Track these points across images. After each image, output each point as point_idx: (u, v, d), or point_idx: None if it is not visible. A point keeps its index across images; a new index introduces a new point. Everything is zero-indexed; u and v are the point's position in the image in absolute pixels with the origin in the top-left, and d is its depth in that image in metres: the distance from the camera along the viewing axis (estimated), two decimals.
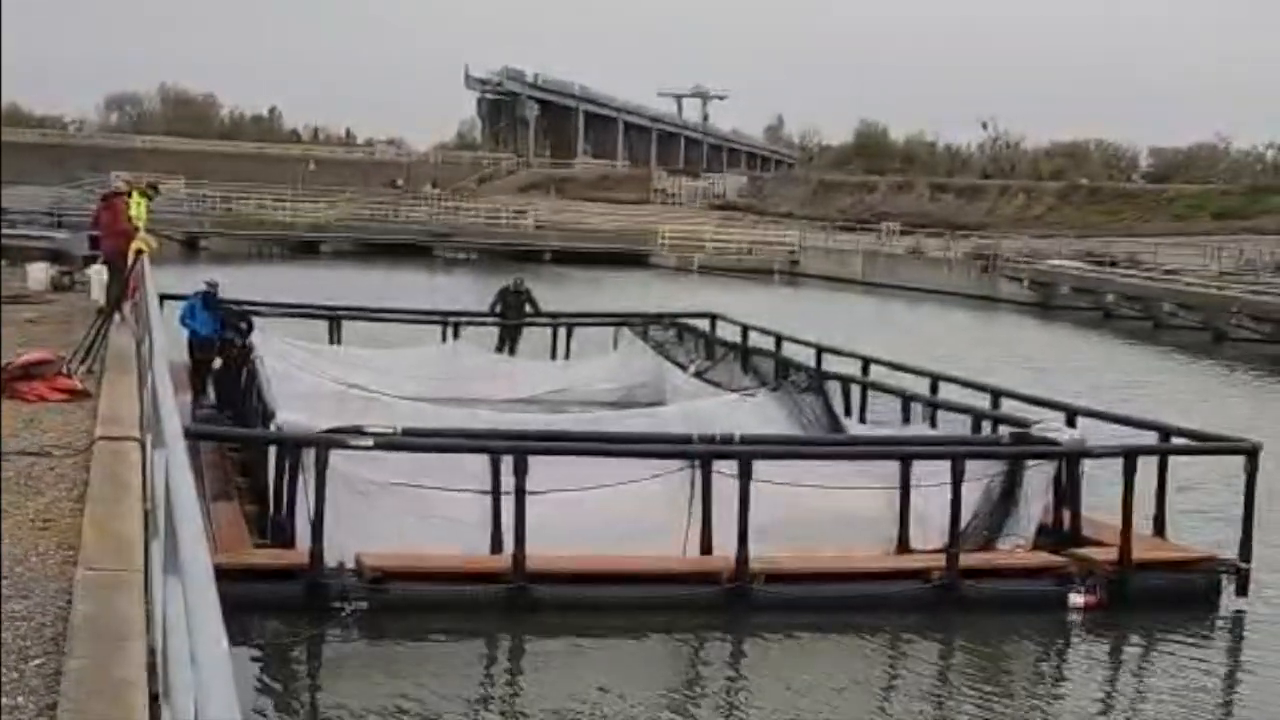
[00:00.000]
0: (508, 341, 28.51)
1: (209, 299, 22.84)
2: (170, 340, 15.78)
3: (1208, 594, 15.12)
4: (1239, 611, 15.03)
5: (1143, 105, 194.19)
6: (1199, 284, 55.73)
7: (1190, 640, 14.30)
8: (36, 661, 5.94)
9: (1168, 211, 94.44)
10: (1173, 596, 15.00)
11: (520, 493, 13.52)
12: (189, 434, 7.95)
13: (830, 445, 17.37)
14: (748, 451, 14.71)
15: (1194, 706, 12.44)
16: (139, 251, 17.13)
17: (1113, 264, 65.44)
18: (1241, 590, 15.13)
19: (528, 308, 29.19)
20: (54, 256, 28.27)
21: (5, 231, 34.82)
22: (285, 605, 12.84)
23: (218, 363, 22.30)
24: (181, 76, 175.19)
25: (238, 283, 24.47)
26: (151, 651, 6.05)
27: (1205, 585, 15.17)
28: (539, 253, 76.97)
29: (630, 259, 78.47)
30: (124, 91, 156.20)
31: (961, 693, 12.68)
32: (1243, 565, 15.14)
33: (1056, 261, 65.98)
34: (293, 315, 26.85)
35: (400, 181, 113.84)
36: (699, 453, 14.70)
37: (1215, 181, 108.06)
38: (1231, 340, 46.69)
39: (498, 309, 29.10)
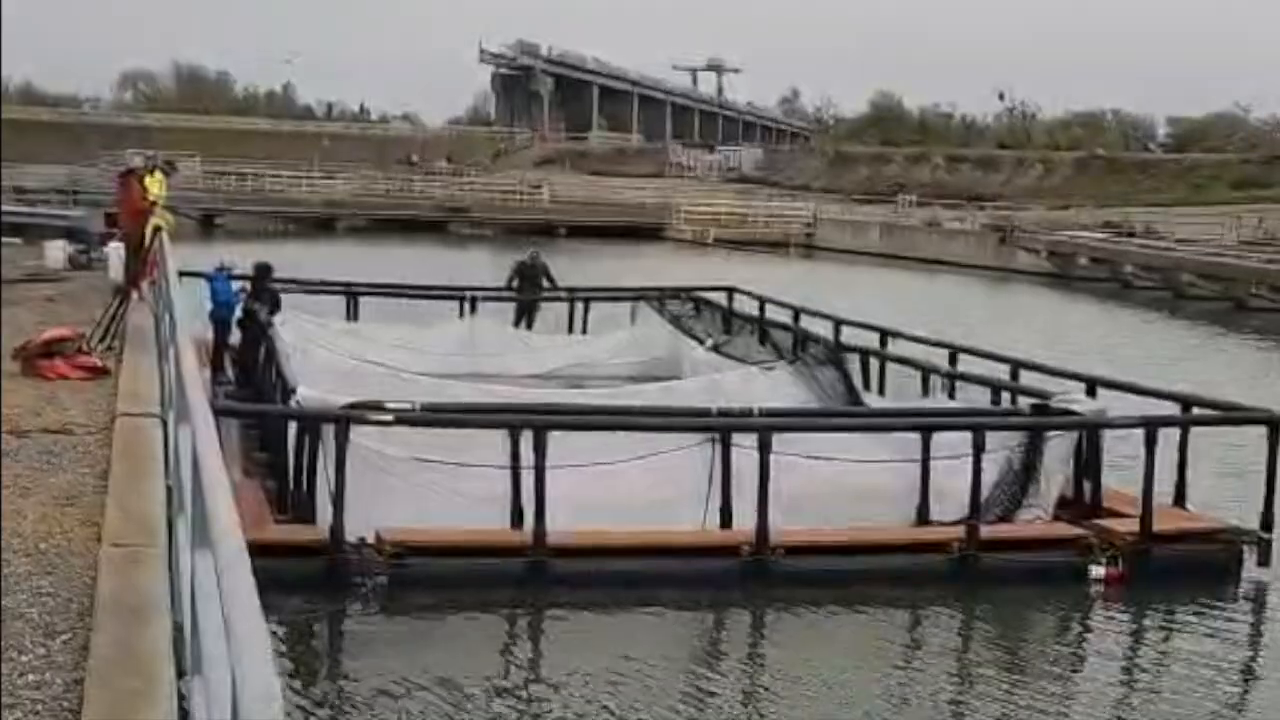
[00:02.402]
0: (525, 316, 28.49)
1: (227, 276, 22.95)
2: (192, 316, 15.81)
3: (1229, 565, 15.06)
4: (1261, 582, 14.98)
5: (1159, 74, 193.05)
6: (1218, 254, 55.50)
7: (1212, 612, 14.25)
8: (64, 637, 5.96)
9: (1186, 181, 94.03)
10: (1194, 568, 14.93)
11: (540, 467, 13.52)
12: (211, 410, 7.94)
13: (850, 418, 17.35)
14: (767, 424, 14.70)
15: (1215, 678, 12.41)
16: (157, 229, 17.15)
17: (1130, 234, 65.17)
18: (1263, 561, 15.08)
19: (544, 282, 29.16)
20: (70, 234, 28.30)
21: (21, 209, 34.88)
22: (306, 581, 12.85)
23: (236, 337, 22.37)
24: (194, 53, 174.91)
25: (253, 260, 24.39)
26: (178, 626, 6.09)
27: (1227, 556, 15.11)
28: (554, 227, 76.88)
29: (646, 233, 78.32)
30: (138, 69, 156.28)
31: (982, 665, 12.69)
32: (1264, 536, 15.11)
33: (1074, 232, 65.75)
34: (310, 291, 26.86)
35: (415, 157, 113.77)
36: (718, 425, 14.69)
37: (1233, 151, 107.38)
38: (1252, 310, 46.48)
39: (514, 283, 29.08)
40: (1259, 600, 14.76)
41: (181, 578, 5.86)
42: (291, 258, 28.57)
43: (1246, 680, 12.80)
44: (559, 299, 29.14)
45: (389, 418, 13.67)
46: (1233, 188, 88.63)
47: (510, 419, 14.28)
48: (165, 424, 10.42)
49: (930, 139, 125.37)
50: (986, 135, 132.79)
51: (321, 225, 78.01)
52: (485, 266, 45.85)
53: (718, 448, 14.40)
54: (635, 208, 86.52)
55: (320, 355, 20.58)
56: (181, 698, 4.90)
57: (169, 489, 8.46)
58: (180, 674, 5.53)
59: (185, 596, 5.57)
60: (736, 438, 14.43)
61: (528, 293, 28.77)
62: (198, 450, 4.61)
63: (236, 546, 3.45)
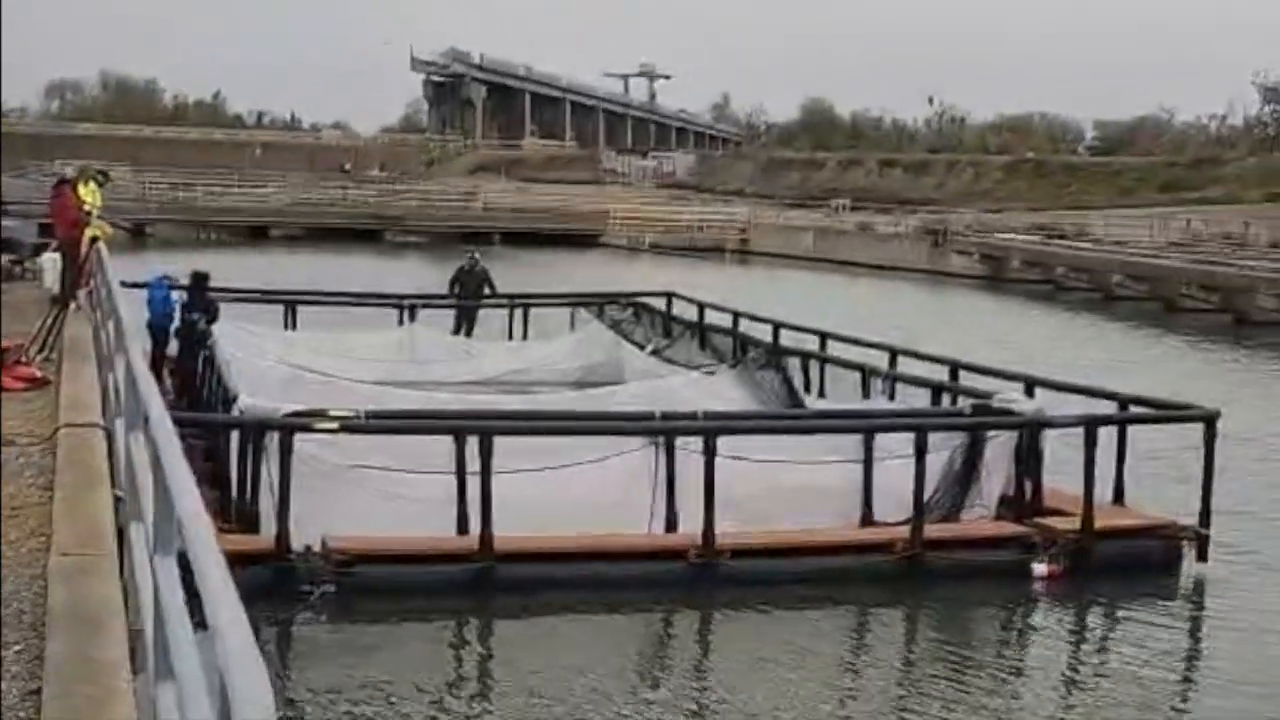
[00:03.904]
0: (464, 322, 28.40)
1: (168, 286, 22.74)
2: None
3: (1169, 560, 15.27)
4: (1200, 577, 15.19)
5: (1085, 79, 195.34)
6: (1148, 255, 56.18)
7: (1152, 606, 14.47)
8: (16, 647, 5.91)
9: (1114, 184, 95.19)
10: (1135, 563, 15.14)
11: (486, 473, 13.49)
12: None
13: (793, 420, 17.42)
14: (712, 427, 14.74)
15: (1157, 671, 12.60)
16: (94, 239, 16.97)
17: (1062, 237, 65.87)
18: (1202, 556, 15.28)
19: (485, 290, 29.08)
20: (2, 245, 27.89)
21: None
22: (252, 590, 12.66)
23: (174, 347, 22.17)
24: (122, 63, 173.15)
25: (188, 270, 24.16)
26: (134, 634, 6.04)
27: (1166, 552, 15.32)
28: (488, 234, 76.57)
29: (581, 239, 78.25)
30: (64, 79, 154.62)
31: (928, 662, 12.80)
32: (1203, 531, 15.30)
33: (1006, 235, 66.36)
34: (247, 300, 26.65)
35: (348, 165, 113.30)
36: (663, 429, 14.72)
37: (1160, 154, 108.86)
38: (1182, 310, 47.08)
39: (456, 289, 29.00)
40: (1198, 595, 14.97)
41: (141, 585, 5.81)
42: (225, 267, 28.25)
43: (1186, 673, 12.98)
44: (499, 305, 29.07)
45: (334, 425, 13.60)
46: (1160, 190, 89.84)
47: (455, 425, 14.25)
48: (109, 433, 10.34)
49: (862, 144, 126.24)
50: (917, 140, 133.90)
51: (254, 234, 77.37)
52: (420, 274, 45.69)
53: (662, 451, 14.43)
54: (570, 214, 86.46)
55: (259, 364, 20.41)
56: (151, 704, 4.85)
57: (117, 498, 8.41)
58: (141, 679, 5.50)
59: (147, 604, 5.53)
60: (681, 441, 14.45)
61: (468, 298, 28.67)
62: (162, 454, 4.57)
63: (212, 549, 3.42)
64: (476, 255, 30.05)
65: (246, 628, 2.88)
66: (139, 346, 7.39)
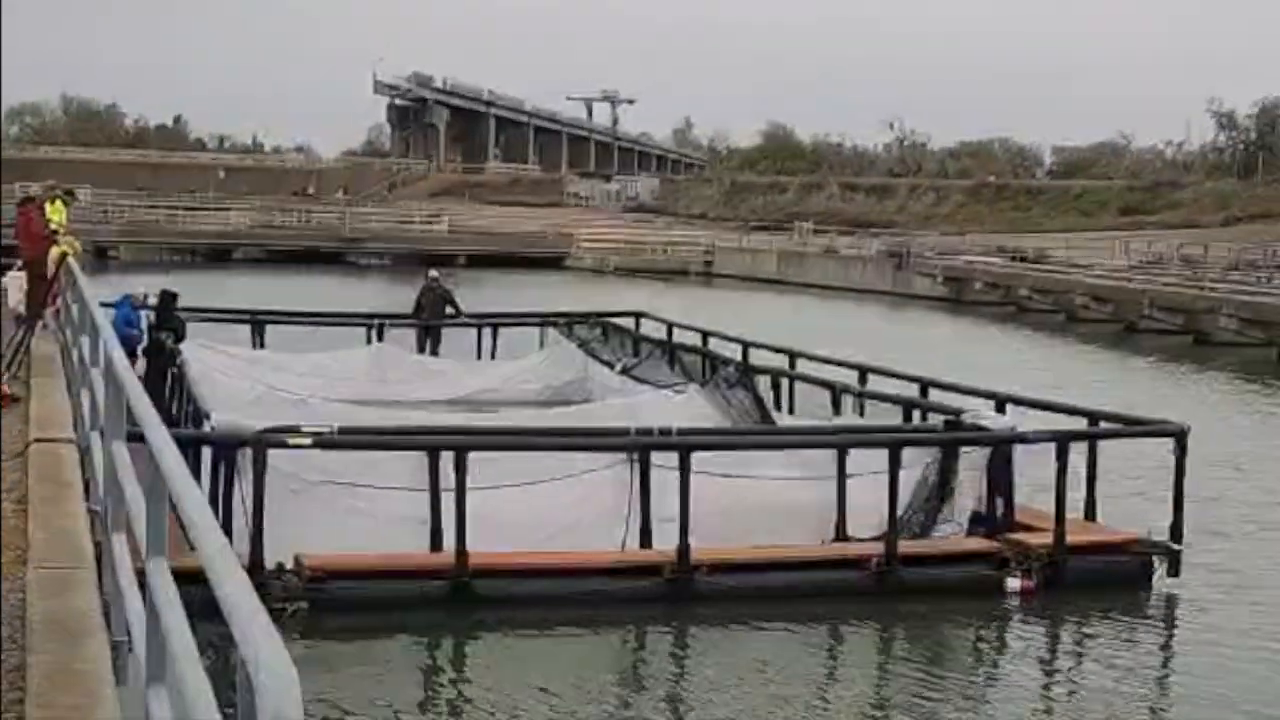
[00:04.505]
0: (429, 341, 28.31)
1: (133, 306, 22.61)
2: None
3: (1140, 576, 15.32)
4: (1171, 592, 15.25)
5: (1043, 105, 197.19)
6: (1109, 277, 56.59)
7: (1124, 622, 14.50)
8: None
9: (1074, 207, 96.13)
10: (1107, 579, 15.16)
11: (461, 489, 13.44)
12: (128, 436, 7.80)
13: (767, 436, 17.43)
14: (687, 443, 14.73)
15: (1128, 687, 12.61)
16: (64, 255, 16.85)
17: (1024, 259, 66.32)
18: (1173, 571, 15.34)
19: (449, 309, 29.00)
20: None
21: None
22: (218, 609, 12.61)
23: (141, 366, 22.00)
24: (83, 87, 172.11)
25: (152, 291, 24.01)
26: (114, 645, 5.99)
27: (1138, 567, 15.37)
28: (453, 257, 76.53)
29: (546, 262, 78.33)
30: (24, 102, 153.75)
31: (902, 677, 12.79)
32: (1174, 546, 15.36)
33: (969, 257, 66.74)
34: (215, 320, 26.53)
35: (311, 189, 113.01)
36: (638, 445, 14.70)
37: (1119, 178, 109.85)
38: (1143, 332, 47.41)
39: (419, 308, 28.91)
40: (1169, 610, 15.02)
41: (125, 593, 5.76)
42: (189, 289, 28.05)
43: (1158, 688, 13.02)
44: (467, 324, 29.01)
45: (307, 441, 13.52)
46: (1120, 214, 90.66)
47: (430, 440, 14.20)
48: (81, 449, 10.27)
49: (823, 169, 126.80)
50: (878, 164, 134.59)
51: (217, 256, 77.18)
52: (383, 295, 45.56)
53: (637, 467, 14.41)
54: (534, 237, 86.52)
55: (227, 383, 20.34)
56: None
57: (91, 512, 8.34)
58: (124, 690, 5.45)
59: (134, 611, 5.48)
60: (656, 457, 14.43)
61: (431, 318, 28.59)
62: (162, 462, 4.53)
63: (224, 552, 3.40)
64: (437, 275, 29.97)
65: (271, 628, 2.86)
66: (123, 356, 7.33)
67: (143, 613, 4.95)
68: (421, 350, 27.93)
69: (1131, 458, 19.10)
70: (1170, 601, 15.15)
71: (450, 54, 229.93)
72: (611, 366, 24.99)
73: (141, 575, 4.89)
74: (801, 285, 66.73)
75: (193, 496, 4.00)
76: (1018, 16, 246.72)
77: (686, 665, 13.08)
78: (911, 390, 19.29)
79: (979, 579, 14.76)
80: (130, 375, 6.53)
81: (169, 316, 22.69)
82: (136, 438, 6.92)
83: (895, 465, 14.80)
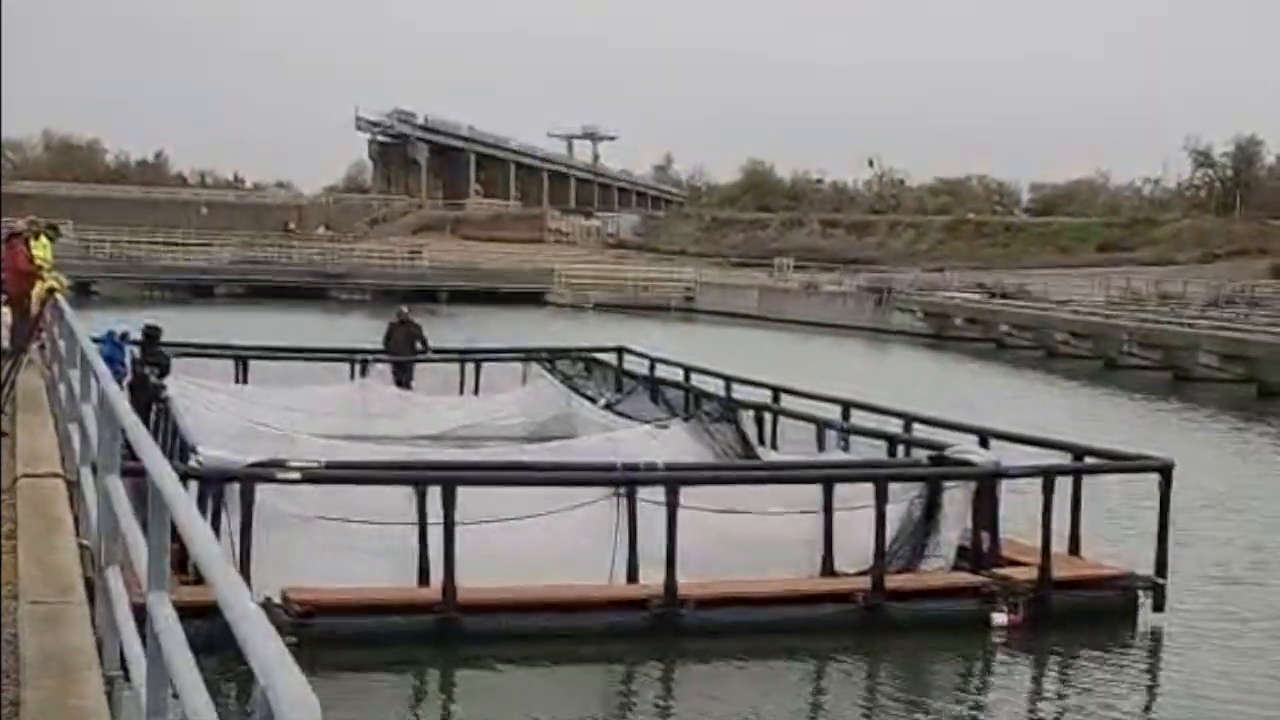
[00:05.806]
0: (401, 378, 28.14)
1: (114, 342, 22.51)
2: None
3: (1126, 610, 15.35)
4: (1156, 627, 15.28)
5: (1021, 143, 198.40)
6: (1089, 313, 56.83)
7: (1110, 656, 14.53)
8: None
9: (1053, 244, 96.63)
10: (1092, 613, 15.20)
11: (449, 524, 13.42)
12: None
13: (755, 470, 17.45)
14: (673, 478, 14.73)
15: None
16: (51, 290, 16.82)
17: (1003, 295, 66.58)
18: (1158, 606, 15.38)
19: (418, 345, 28.84)
20: None
21: None
22: (211, 643, 12.54)
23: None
24: (64, 123, 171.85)
25: (134, 327, 23.95)
26: (108, 680, 5.99)
27: (1123, 602, 15.40)
28: (435, 292, 76.58)
29: (526, 298, 78.41)
30: (6, 138, 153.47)
31: (888, 712, 12.78)
32: (1159, 581, 15.40)
33: (949, 293, 66.98)
34: (198, 355, 26.48)
35: (292, 225, 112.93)
36: (624, 480, 14.71)
37: (1097, 215, 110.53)
38: (1122, 367, 47.60)
39: (388, 344, 28.79)
40: (1155, 644, 15.05)
41: (123, 627, 5.75)
42: (172, 325, 27.96)
43: None
44: (448, 360, 28.98)
45: (296, 475, 13.50)
46: (1098, 250, 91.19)
47: (417, 475, 14.19)
48: (68, 483, 10.23)
49: (802, 205, 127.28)
50: (857, 201, 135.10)
51: (199, 292, 77.07)
52: (365, 331, 45.44)
53: (623, 502, 14.41)
54: (515, 273, 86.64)
55: (211, 418, 20.28)
56: None
57: (81, 546, 8.32)
58: None
59: (131, 644, 5.49)
60: (642, 492, 14.44)
61: (401, 353, 28.45)
62: (168, 497, 4.56)
63: (239, 587, 3.43)
64: (406, 310, 29.85)
65: (289, 657, 2.88)
66: (118, 390, 7.33)
67: (141, 648, 4.97)
68: (398, 384, 27.81)
69: (1115, 492, 19.18)
70: (1155, 635, 15.18)
71: (431, 91, 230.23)
72: (595, 401, 25.02)
73: (137, 609, 4.91)
74: (782, 321, 66.84)
75: (200, 530, 4.02)
76: (993, 50, 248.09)
77: (673, 700, 13.07)
78: (895, 425, 19.34)
79: (965, 614, 14.77)
80: (128, 410, 6.56)
81: (153, 352, 22.64)
82: (130, 473, 6.94)
83: (881, 500, 14.83)
